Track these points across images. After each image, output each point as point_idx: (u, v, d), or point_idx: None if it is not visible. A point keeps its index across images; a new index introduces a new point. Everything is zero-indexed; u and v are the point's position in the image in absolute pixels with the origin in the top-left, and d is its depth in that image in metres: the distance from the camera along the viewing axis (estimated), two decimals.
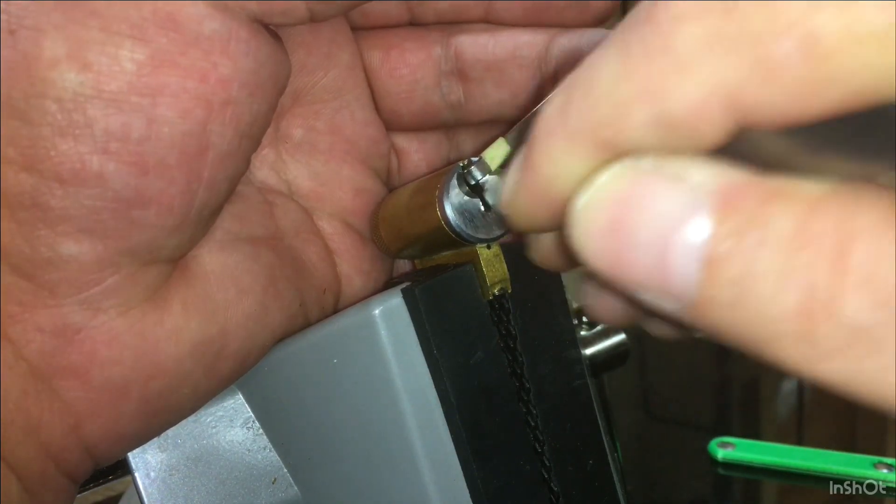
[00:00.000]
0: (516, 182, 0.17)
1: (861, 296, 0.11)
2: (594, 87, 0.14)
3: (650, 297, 0.14)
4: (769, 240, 0.12)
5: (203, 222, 0.22)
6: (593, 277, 0.20)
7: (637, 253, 0.14)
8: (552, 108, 0.15)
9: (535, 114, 0.23)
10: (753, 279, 0.12)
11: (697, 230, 0.13)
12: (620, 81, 0.14)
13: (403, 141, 0.28)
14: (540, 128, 0.15)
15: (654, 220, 0.13)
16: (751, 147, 0.13)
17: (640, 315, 0.22)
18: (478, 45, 0.26)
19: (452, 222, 0.23)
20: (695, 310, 0.13)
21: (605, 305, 0.21)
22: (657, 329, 0.22)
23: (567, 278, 0.26)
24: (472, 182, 0.23)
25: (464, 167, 0.24)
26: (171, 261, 0.22)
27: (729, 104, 0.12)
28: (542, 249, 0.20)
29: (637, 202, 0.14)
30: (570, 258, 0.20)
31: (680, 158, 0.14)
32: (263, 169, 0.26)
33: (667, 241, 0.13)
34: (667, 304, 0.14)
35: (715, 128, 0.13)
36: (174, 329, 0.22)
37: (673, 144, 0.14)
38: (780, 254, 0.12)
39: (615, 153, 0.14)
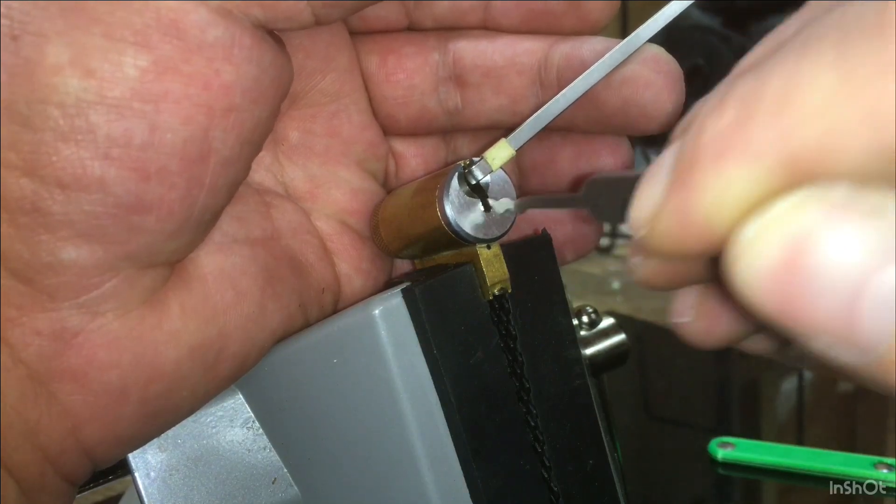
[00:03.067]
0: (663, 205, 0.14)
1: None
2: (801, 104, 0.12)
3: (824, 345, 0.12)
4: None
5: (203, 227, 0.22)
6: (706, 293, 0.19)
7: (818, 296, 0.12)
8: (723, 125, 0.13)
9: (536, 115, 0.23)
10: None
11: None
12: (841, 99, 0.12)
13: (401, 145, 0.28)
14: (707, 143, 0.13)
15: (845, 262, 0.11)
16: None
17: (741, 338, 0.20)
18: (476, 50, 0.26)
19: (452, 222, 0.23)
20: (882, 364, 0.12)
21: (712, 326, 0.19)
22: (753, 348, 0.20)
23: (567, 278, 0.26)
24: (473, 182, 0.23)
25: (464, 167, 0.24)
26: (169, 264, 0.22)
27: None
28: (654, 269, 0.18)
29: (825, 238, 0.12)
30: (683, 279, 0.18)
31: (879, 190, 0.12)
32: (260, 171, 0.26)
33: (861, 285, 0.11)
34: (845, 355, 0.12)
35: None
36: (173, 332, 0.22)
37: (887, 173, 0.12)
38: None
39: (807, 179, 0.12)
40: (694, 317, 0.19)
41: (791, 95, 0.12)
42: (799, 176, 0.12)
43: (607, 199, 0.20)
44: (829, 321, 0.12)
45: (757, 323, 0.19)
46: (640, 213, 0.15)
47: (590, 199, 0.21)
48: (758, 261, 0.12)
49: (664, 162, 0.15)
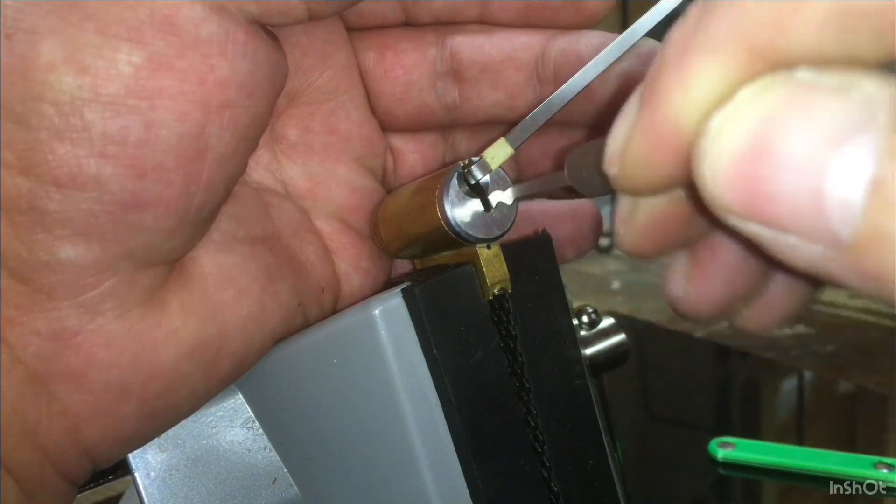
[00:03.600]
0: (632, 124, 0.14)
1: None
2: None
3: (793, 243, 0.12)
4: None
5: (201, 224, 0.22)
6: (694, 255, 0.18)
7: (785, 180, 0.11)
8: (686, 25, 0.13)
9: (535, 113, 0.23)
10: None
11: (866, 149, 0.11)
12: None
13: (399, 141, 0.28)
14: (669, 49, 0.13)
15: (812, 139, 0.11)
16: None
17: (739, 301, 0.19)
18: (474, 46, 0.26)
19: (452, 222, 0.23)
20: (853, 251, 0.11)
21: (704, 292, 0.19)
22: (754, 320, 0.20)
23: (567, 278, 0.26)
24: (473, 182, 0.23)
25: (464, 167, 0.24)
26: (168, 263, 0.22)
27: None
28: (638, 228, 0.18)
29: (790, 118, 0.11)
30: (668, 239, 0.18)
31: (844, 68, 0.11)
32: (259, 170, 0.26)
33: (825, 161, 0.11)
34: (814, 251, 0.12)
35: None
36: (172, 331, 0.22)
37: (849, 49, 0.11)
38: None
39: (769, 66, 0.12)
40: (686, 286, 0.19)
41: None
42: (762, 63, 0.12)
43: (588, 168, 0.20)
44: (796, 207, 0.12)
45: (748, 283, 0.18)
46: (612, 148, 0.15)
47: (573, 172, 0.21)
48: (723, 151, 0.12)
49: (633, 97, 0.15)
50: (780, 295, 0.20)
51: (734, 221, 0.12)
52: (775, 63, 0.12)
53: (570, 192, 0.23)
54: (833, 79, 0.11)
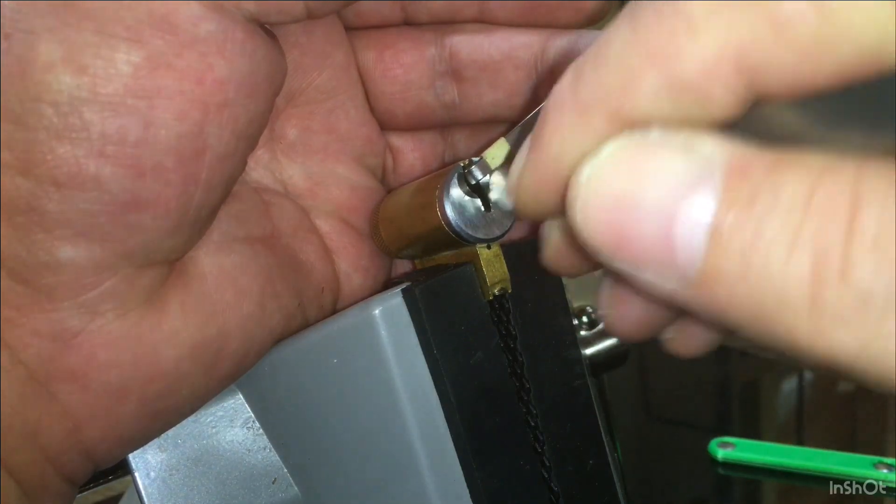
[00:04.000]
0: (524, 162, 0.16)
1: (871, 259, 0.11)
2: (604, 57, 0.14)
3: (650, 278, 0.14)
4: (779, 206, 0.12)
5: (200, 224, 0.22)
6: (614, 279, 0.20)
7: (641, 225, 0.13)
8: (563, 83, 0.15)
9: (535, 114, 0.23)
10: (763, 247, 0.12)
11: (705, 200, 0.13)
12: (630, 47, 0.13)
13: (398, 140, 0.28)
14: (550, 103, 0.15)
15: (661, 191, 0.13)
16: (762, 125, 0.13)
17: (660, 324, 0.21)
18: (473, 45, 0.26)
19: (452, 222, 0.23)
20: (698, 287, 0.13)
21: (624, 313, 0.20)
22: (681, 343, 0.21)
23: (567, 279, 0.26)
24: (473, 182, 0.23)
25: (464, 167, 0.24)
26: (168, 263, 0.22)
27: (740, 64, 0.12)
28: (552, 248, 0.20)
29: (643, 172, 0.13)
30: (581, 258, 0.19)
31: (689, 131, 0.13)
32: (258, 169, 0.26)
33: (673, 211, 0.13)
34: (668, 285, 0.13)
35: (727, 92, 0.13)
36: (172, 331, 0.22)
37: (684, 114, 0.13)
38: (791, 220, 0.12)
39: (625, 125, 0.14)
40: (608, 307, 0.20)
41: (602, 49, 0.14)
42: (619, 123, 0.14)
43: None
44: (651, 248, 0.13)
45: (664, 309, 0.20)
46: (511, 178, 0.17)
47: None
48: (592, 198, 0.14)
49: (530, 135, 0.17)
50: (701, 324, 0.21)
51: (603, 259, 0.14)
52: (631, 123, 0.14)
53: None
54: (678, 139, 0.13)
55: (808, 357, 0.12)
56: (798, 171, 0.12)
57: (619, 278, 0.20)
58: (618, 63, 0.14)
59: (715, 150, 0.13)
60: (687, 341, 0.21)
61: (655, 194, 0.13)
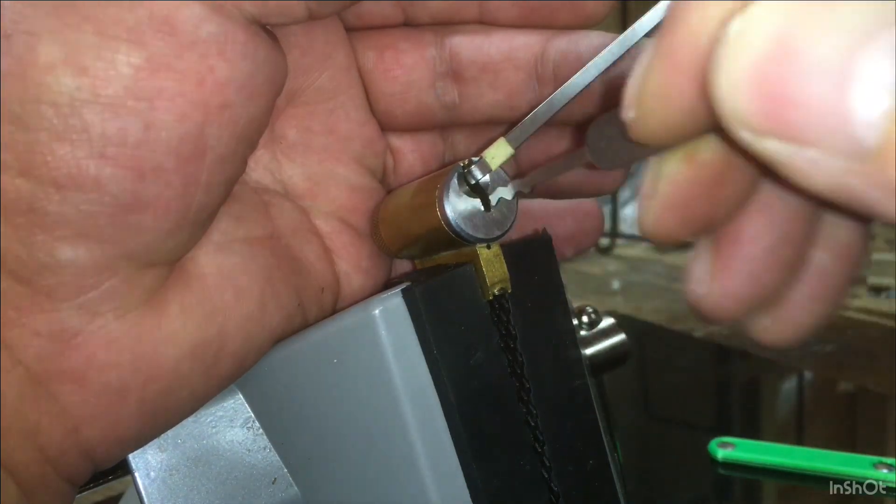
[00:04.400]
0: (651, 58, 0.14)
1: None
2: None
3: (814, 157, 0.11)
4: None
5: (200, 225, 0.22)
6: (717, 243, 0.17)
7: (807, 83, 0.11)
8: None
9: (535, 114, 0.23)
10: None
11: (891, 47, 0.10)
12: None
13: (398, 141, 0.28)
14: None
15: (834, 39, 0.11)
16: None
17: (762, 296, 0.19)
18: (473, 46, 0.26)
19: (452, 222, 0.23)
20: (877, 159, 0.11)
21: (728, 288, 0.18)
22: (775, 330, 0.19)
23: (567, 278, 0.26)
24: (473, 182, 0.23)
25: (464, 167, 0.24)
26: (168, 263, 0.22)
27: None
28: (659, 204, 0.17)
29: (814, 17, 0.11)
30: (692, 214, 0.17)
31: None
32: (258, 170, 0.26)
33: (850, 61, 0.11)
34: (836, 166, 0.11)
35: None
36: (172, 332, 0.22)
37: None
38: None
39: None
40: (708, 282, 0.18)
41: None
42: None
43: (607, 137, 0.19)
44: (818, 112, 0.11)
45: (772, 280, 0.18)
46: (630, 91, 0.14)
47: (593, 146, 0.21)
48: (741, 55, 0.11)
49: (651, 42, 0.14)
50: (801, 305, 0.19)
51: (749, 138, 0.12)
52: None
53: (580, 179, 0.22)
54: None
55: None
56: None
57: (720, 248, 0.18)
58: None
59: None
60: (782, 326, 0.19)
61: (828, 44, 0.11)
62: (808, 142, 0.11)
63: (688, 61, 0.13)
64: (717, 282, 0.18)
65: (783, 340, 0.20)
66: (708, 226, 0.19)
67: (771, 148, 0.12)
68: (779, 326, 0.20)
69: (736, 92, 0.12)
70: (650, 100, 0.14)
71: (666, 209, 0.17)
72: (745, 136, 0.12)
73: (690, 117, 0.14)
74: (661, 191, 0.17)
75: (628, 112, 0.15)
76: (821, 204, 0.17)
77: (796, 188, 0.12)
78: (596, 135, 0.21)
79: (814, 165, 0.11)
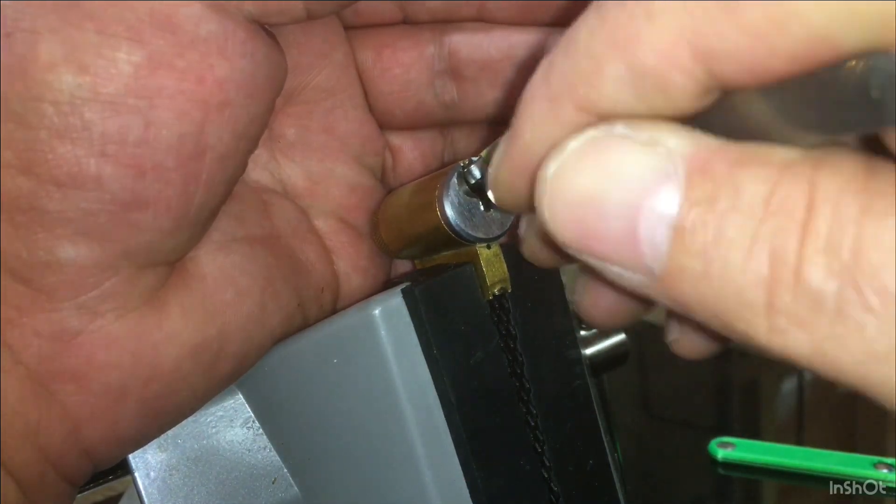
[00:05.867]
0: (500, 153, 0.16)
1: (823, 261, 0.11)
2: (573, 46, 0.14)
3: (617, 272, 0.14)
4: (740, 206, 0.12)
5: (201, 224, 0.22)
6: (567, 255, 0.21)
7: (606, 222, 0.13)
8: (537, 73, 0.15)
9: None
10: (723, 247, 0.12)
11: (669, 197, 0.13)
12: (595, 35, 0.13)
13: (398, 139, 0.28)
14: (525, 94, 0.15)
15: (625, 187, 0.13)
16: (731, 120, 0.13)
17: (631, 313, 0.22)
18: (472, 44, 0.26)
19: (452, 222, 0.23)
20: (662, 283, 0.13)
21: (595, 302, 0.21)
22: (685, 345, 0.21)
23: (567, 278, 0.26)
24: (473, 181, 0.23)
25: (464, 167, 0.24)
26: (168, 263, 0.22)
27: (696, 48, 0.12)
28: (530, 242, 0.20)
29: (607, 169, 0.13)
30: (558, 252, 0.20)
31: (655, 124, 0.13)
32: (257, 169, 0.26)
33: (638, 208, 0.13)
34: (634, 279, 0.14)
35: (686, 79, 0.13)
36: (172, 332, 0.22)
37: (649, 104, 0.13)
38: (751, 220, 0.12)
39: (593, 116, 0.14)
40: (581, 293, 0.21)
41: (571, 38, 0.14)
42: (586, 115, 0.14)
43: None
44: (617, 244, 0.13)
45: (634, 299, 0.20)
46: (490, 174, 0.17)
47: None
48: (557, 196, 0.14)
49: (504, 135, 0.17)
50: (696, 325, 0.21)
51: (571, 252, 0.14)
52: (598, 114, 0.14)
53: None
54: (643, 134, 0.13)
55: (766, 353, 0.13)
56: (759, 169, 0.12)
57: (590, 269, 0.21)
58: (584, 51, 0.14)
59: (679, 143, 0.13)
60: (690, 344, 0.21)
61: (619, 191, 0.13)
62: (612, 263, 0.14)
63: (522, 169, 0.16)
64: (586, 296, 0.21)
65: (695, 354, 0.22)
66: (568, 259, 0.21)
67: (587, 260, 0.14)
68: (685, 341, 0.21)
69: (554, 223, 0.14)
70: (501, 187, 0.17)
71: (538, 246, 0.20)
72: (568, 250, 0.14)
73: (529, 202, 0.16)
74: (533, 232, 0.20)
75: (490, 190, 0.18)
76: None
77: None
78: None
79: (620, 278, 0.14)
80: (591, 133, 0.14)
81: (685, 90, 0.13)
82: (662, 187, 0.13)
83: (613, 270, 0.14)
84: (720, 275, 0.12)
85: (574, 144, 0.14)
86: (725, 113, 0.13)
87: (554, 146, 0.14)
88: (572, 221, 0.14)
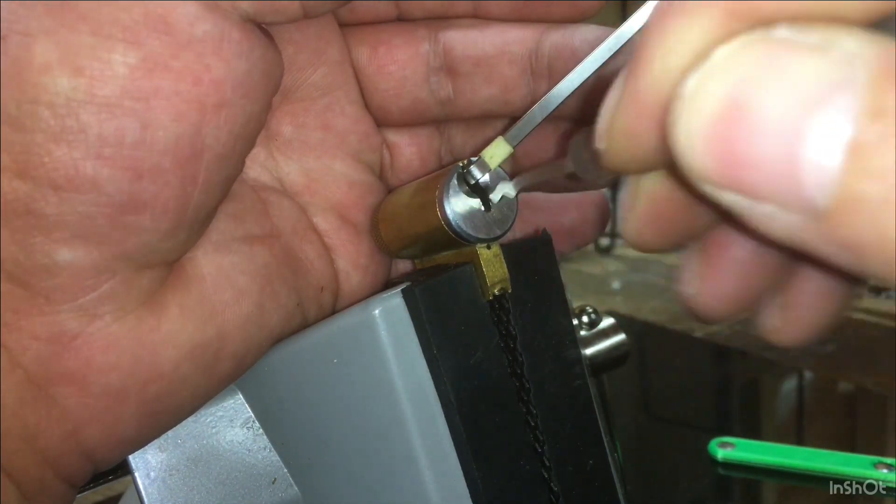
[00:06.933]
0: (619, 95, 0.14)
1: None
2: None
3: (769, 211, 0.11)
4: None
5: (198, 225, 0.22)
6: (705, 251, 0.17)
7: (761, 143, 0.11)
8: None
9: (533, 112, 0.23)
10: None
11: (845, 109, 0.10)
12: None
13: (395, 136, 0.28)
14: (652, 18, 0.13)
15: (789, 99, 0.11)
16: None
17: (754, 299, 0.19)
18: (467, 40, 0.26)
19: (452, 222, 0.23)
20: (829, 219, 0.11)
21: (717, 290, 0.18)
22: (784, 330, 0.19)
23: (567, 278, 0.26)
24: (472, 181, 0.23)
25: (464, 167, 0.24)
26: (166, 264, 0.22)
27: None
28: (639, 214, 0.17)
29: (767, 76, 0.11)
30: (675, 224, 0.17)
31: (827, 27, 0.11)
32: (255, 167, 0.26)
33: (803, 123, 0.11)
34: (790, 220, 0.11)
35: None
36: (171, 333, 0.22)
37: (824, 6, 0.11)
38: None
39: (747, 25, 0.12)
40: (697, 284, 0.18)
41: None
42: (739, 22, 0.12)
43: (590, 152, 0.20)
44: (771, 174, 0.11)
45: (763, 280, 0.18)
46: (601, 123, 0.15)
47: (576, 158, 0.21)
48: (697, 114, 0.12)
49: (622, 72, 0.14)
50: (808, 301, 0.19)
51: (710, 190, 0.12)
52: (754, 21, 0.12)
53: (572, 182, 0.23)
54: (813, 37, 0.11)
55: None
56: None
57: (707, 251, 0.18)
58: None
59: (860, 46, 0.11)
60: (791, 326, 0.19)
61: (781, 105, 0.11)
62: (763, 198, 0.11)
63: (650, 107, 0.13)
64: (705, 283, 0.18)
65: (793, 340, 0.19)
66: (688, 238, 0.19)
67: (730, 199, 0.12)
68: (788, 326, 0.19)
69: (693, 150, 0.12)
70: (618, 136, 0.14)
71: (645, 224, 0.18)
72: (706, 188, 0.12)
73: (656, 154, 0.14)
74: (640, 206, 0.17)
75: (599, 143, 0.15)
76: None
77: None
78: (577, 148, 0.21)
79: (770, 219, 0.12)
80: (746, 38, 0.11)
81: None
82: (837, 97, 0.10)
83: (763, 211, 0.11)
84: None
85: (723, 52, 0.12)
86: None
87: (692, 65, 0.12)
88: (716, 144, 0.11)
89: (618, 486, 0.26)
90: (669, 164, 0.14)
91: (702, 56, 0.12)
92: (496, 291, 0.24)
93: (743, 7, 0.11)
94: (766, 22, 0.11)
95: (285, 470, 0.28)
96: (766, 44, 0.11)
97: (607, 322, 0.55)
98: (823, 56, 0.11)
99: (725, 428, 0.75)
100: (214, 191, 0.21)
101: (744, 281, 0.18)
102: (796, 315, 0.19)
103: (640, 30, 0.20)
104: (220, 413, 0.27)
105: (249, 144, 0.22)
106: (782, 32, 0.11)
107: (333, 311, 0.27)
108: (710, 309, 0.19)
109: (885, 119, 0.10)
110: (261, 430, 0.28)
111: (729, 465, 0.61)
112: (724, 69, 0.12)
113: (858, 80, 0.10)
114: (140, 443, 0.24)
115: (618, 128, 0.14)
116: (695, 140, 0.12)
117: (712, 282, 0.18)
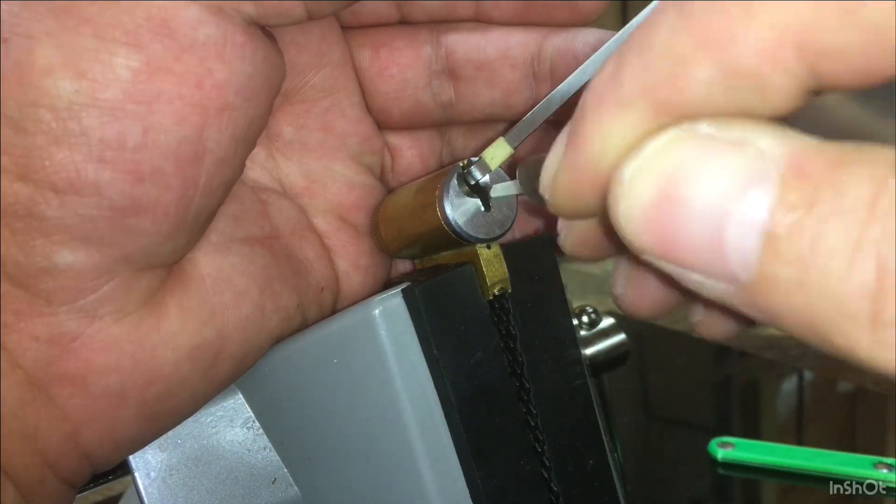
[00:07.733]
0: (560, 161, 0.15)
1: None
2: (649, 45, 0.13)
3: (699, 280, 0.13)
4: (842, 209, 0.11)
5: (199, 226, 0.22)
6: (633, 260, 0.20)
7: (689, 227, 0.13)
8: (603, 76, 0.14)
9: (534, 112, 0.23)
10: (822, 254, 0.11)
11: (761, 200, 0.12)
12: (679, 34, 0.12)
13: (396, 138, 0.28)
14: (588, 97, 0.14)
15: (712, 190, 0.12)
16: (820, 118, 0.12)
17: (676, 304, 0.21)
18: (469, 44, 0.26)
19: (452, 222, 0.23)
20: (750, 292, 0.12)
21: (640, 293, 0.20)
22: (708, 327, 0.21)
23: (567, 278, 0.26)
24: (473, 182, 0.23)
25: (464, 167, 0.24)
26: (166, 266, 0.22)
27: (802, 47, 0.11)
28: (575, 236, 0.19)
29: (693, 170, 0.12)
30: (606, 245, 0.19)
31: (744, 123, 0.12)
32: (255, 168, 0.26)
33: (725, 213, 0.12)
34: (718, 287, 0.13)
35: (787, 79, 0.12)
36: (171, 334, 0.22)
37: (739, 105, 0.12)
38: (854, 225, 0.11)
39: (672, 119, 0.13)
40: (624, 285, 0.20)
41: (646, 38, 0.13)
42: (666, 116, 0.13)
43: (535, 183, 0.21)
44: (700, 251, 0.13)
45: (679, 288, 0.20)
46: (545, 178, 0.16)
47: (524, 183, 0.22)
48: (633, 200, 0.13)
49: (562, 132, 0.16)
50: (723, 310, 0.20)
51: (648, 259, 0.14)
52: (678, 116, 0.13)
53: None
54: (732, 133, 0.12)
55: (867, 368, 0.12)
56: (863, 169, 0.11)
57: (637, 259, 0.20)
58: (666, 51, 0.13)
59: (772, 144, 0.12)
60: (715, 325, 0.21)
61: (705, 194, 0.12)
62: (694, 270, 0.13)
63: (589, 178, 0.15)
64: (630, 286, 0.20)
65: (717, 336, 0.21)
66: (619, 252, 0.20)
67: (666, 267, 0.13)
68: (711, 320, 0.21)
69: (632, 228, 0.13)
70: (560, 194, 0.16)
71: (580, 244, 0.19)
72: (645, 257, 0.14)
73: (593, 210, 0.15)
74: (576, 230, 0.19)
75: (545, 194, 0.17)
76: None
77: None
78: (526, 172, 0.22)
79: (701, 285, 0.13)
80: (674, 133, 0.13)
81: (783, 91, 0.12)
82: (753, 190, 0.12)
83: (694, 279, 0.13)
84: (818, 284, 0.11)
85: (654, 145, 0.13)
86: (814, 114, 0.13)
87: (626, 152, 0.14)
88: (652, 227, 0.13)
89: (618, 486, 0.26)
90: (605, 215, 0.15)
91: (634, 144, 0.13)
92: (496, 291, 0.24)
93: (669, 105, 0.13)
94: (689, 117, 0.13)
95: (285, 470, 0.28)
96: (692, 140, 0.13)
97: (607, 322, 0.55)
98: (740, 153, 0.12)
99: (725, 428, 0.75)
100: (215, 194, 0.21)
101: (664, 289, 0.20)
102: (718, 313, 0.21)
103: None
104: (220, 413, 0.27)
105: (250, 147, 0.22)
106: (705, 129, 0.13)
107: (333, 311, 0.27)
108: (635, 308, 0.20)
109: (795, 212, 0.11)
110: (261, 430, 0.28)
111: (729, 465, 0.61)
112: (656, 163, 0.13)
113: (771, 176, 0.12)
114: (140, 443, 0.24)
115: (560, 187, 0.16)
116: (633, 221, 0.13)
117: (636, 287, 0.20)
